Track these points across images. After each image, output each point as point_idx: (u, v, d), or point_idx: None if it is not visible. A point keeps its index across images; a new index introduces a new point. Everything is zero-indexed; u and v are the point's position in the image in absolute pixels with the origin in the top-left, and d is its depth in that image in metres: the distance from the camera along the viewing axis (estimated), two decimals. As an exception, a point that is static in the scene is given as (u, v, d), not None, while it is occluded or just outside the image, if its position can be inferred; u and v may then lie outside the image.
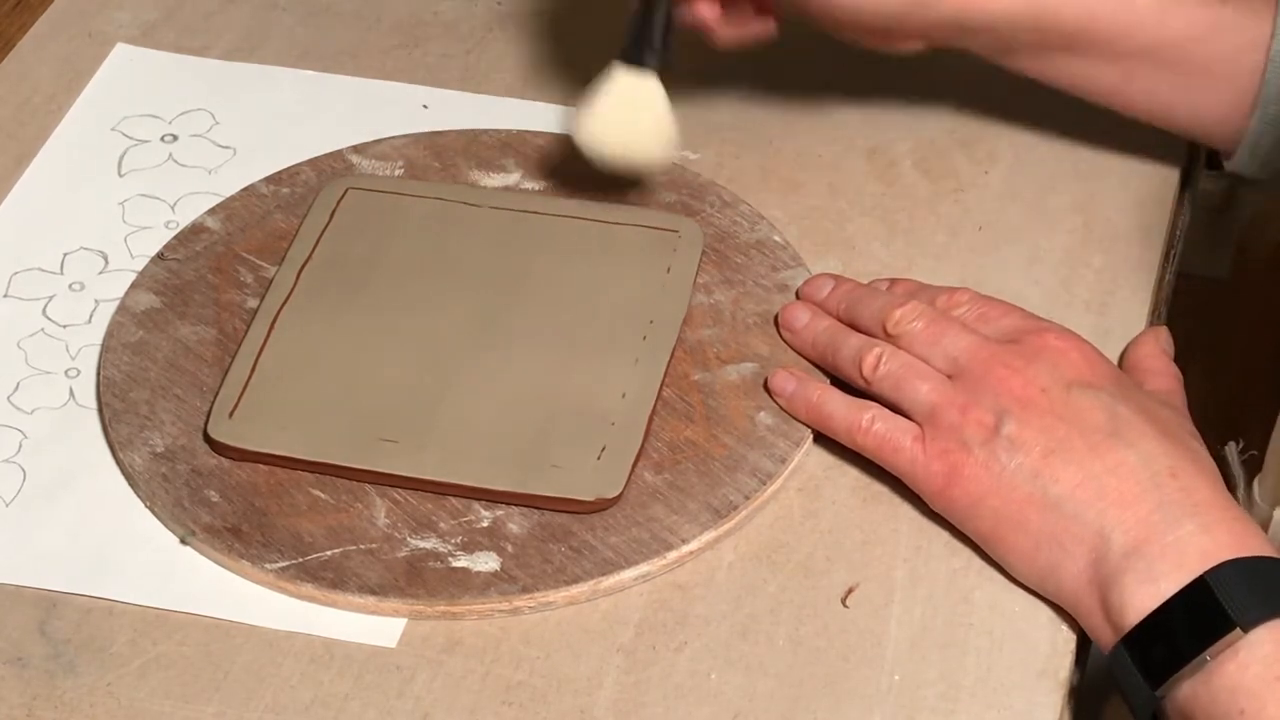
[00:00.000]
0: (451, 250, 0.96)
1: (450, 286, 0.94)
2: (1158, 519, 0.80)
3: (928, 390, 0.86)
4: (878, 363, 0.87)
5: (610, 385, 0.89)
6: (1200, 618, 0.77)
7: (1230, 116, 0.96)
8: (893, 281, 0.93)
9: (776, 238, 0.97)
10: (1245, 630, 0.76)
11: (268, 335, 0.91)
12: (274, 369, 0.90)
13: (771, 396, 0.89)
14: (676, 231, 0.96)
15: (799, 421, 0.89)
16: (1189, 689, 0.77)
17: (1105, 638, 0.80)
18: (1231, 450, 0.88)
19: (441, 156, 1.02)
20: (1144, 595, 0.79)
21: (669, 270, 0.94)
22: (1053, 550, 0.82)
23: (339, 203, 0.98)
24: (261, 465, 0.87)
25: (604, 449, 0.86)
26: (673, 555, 0.84)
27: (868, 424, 0.86)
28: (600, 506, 0.85)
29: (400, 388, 0.89)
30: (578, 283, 0.94)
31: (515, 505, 0.85)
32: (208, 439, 0.87)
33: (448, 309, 0.93)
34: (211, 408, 0.88)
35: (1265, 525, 0.87)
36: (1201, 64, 0.95)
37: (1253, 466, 0.87)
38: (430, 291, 0.94)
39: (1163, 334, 0.93)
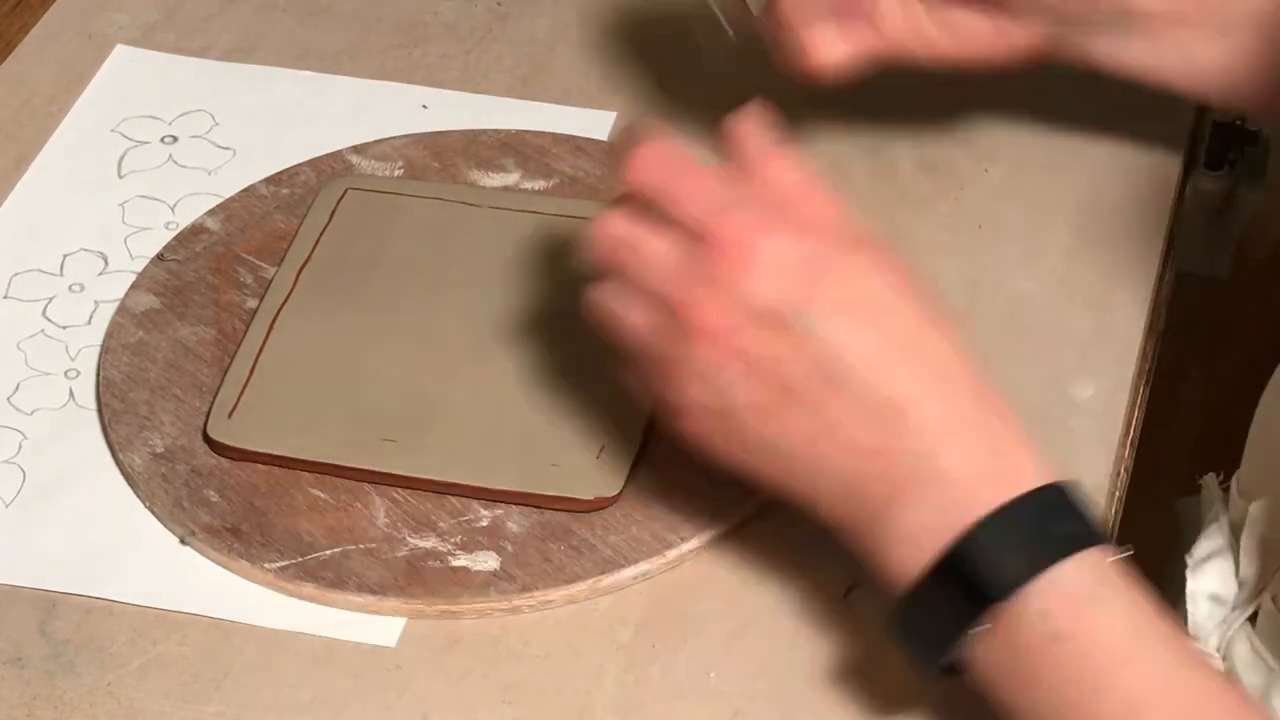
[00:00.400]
0: (451, 250, 0.96)
1: (450, 286, 0.94)
2: (905, 471, 0.74)
3: (658, 270, 0.78)
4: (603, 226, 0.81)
5: (610, 384, 0.89)
6: (962, 589, 0.72)
7: None
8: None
9: None
10: (1005, 599, 0.72)
11: (267, 335, 0.91)
12: (273, 369, 0.90)
13: None
14: None
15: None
16: (974, 651, 0.73)
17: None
18: (1211, 481, 0.88)
19: (441, 156, 1.02)
20: (904, 557, 0.74)
21: None
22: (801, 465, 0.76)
23: (338, 203, 0.98)
24: (261, 465, 0.87)
25: (603, 448, 0.86)
26: (672, 554, 0.84)
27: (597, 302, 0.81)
28: (599, 505, 0.85)
29: (400, 387, 0.89)
30: (577, 282, 0.94)
31: (515, 504, 0.85)
32: (207, 439, 0.87)
33: (447, 309, 0.93)
34: (211, 408, 0.88)
35: (1241, 520, 0.86)
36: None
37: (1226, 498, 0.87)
38: (430, 291, 0.94)
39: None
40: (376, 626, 0.82)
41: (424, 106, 1.06)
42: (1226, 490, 0.90)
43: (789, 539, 0.86)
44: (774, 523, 0.86)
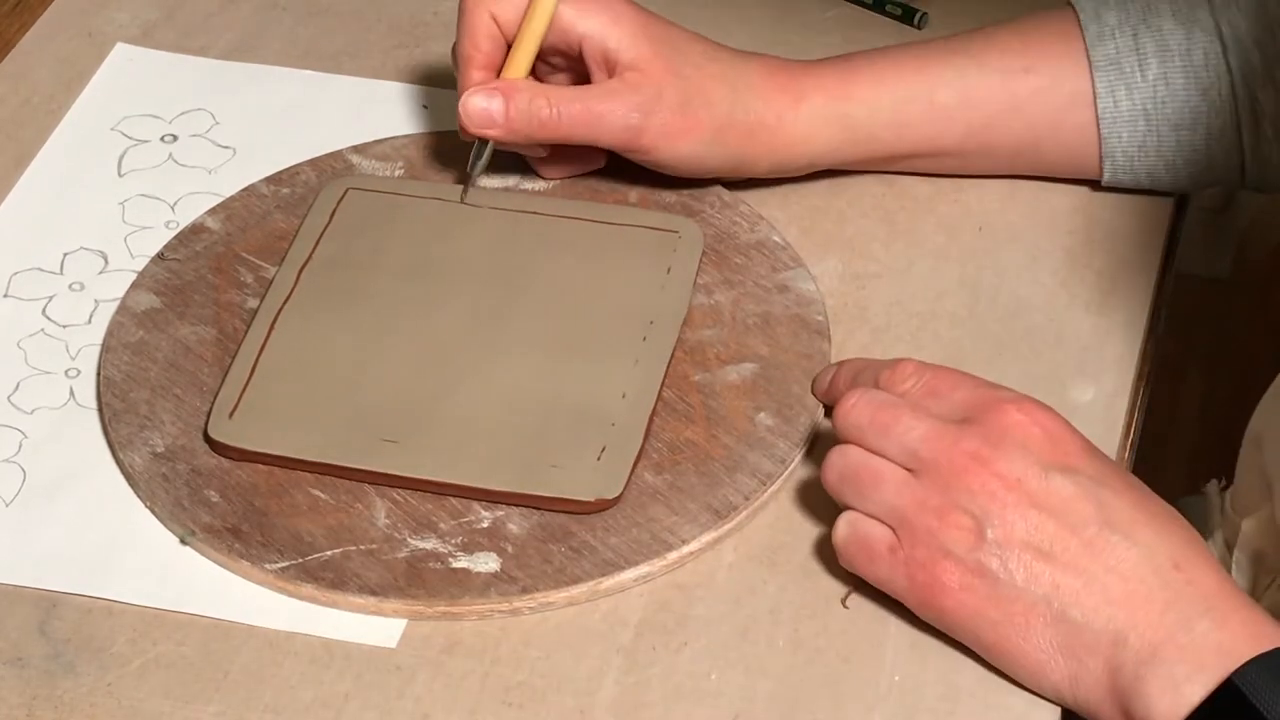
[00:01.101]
0: (452, 250, 0.96)
1: (450, 286, 0.94)
2: (1171, 619, 0.76)
3: (893, 492, 0.80)
4: (829, 469, 0.82)
5: (610, 386, 0.89)
6: None
7: (1077, 168, 0.98)
8: (839, 365, 0.89)
9: (776, 238, 0.97)
10: None
11: (268, 335, 0.91)
12: (274, 369, 0.90)
13: None
14: (676, 232, 0.96)
15: None
16: None
17: None
18: (1213, 487, 0.88)
19: (441, 156, 1.01)
20: (1169, 703, 0.75)
21: (669, 271, 0.94)
22: (1066, 661, 0.78)
23: (339, 203, 0.98)
24: (261, 465, 0.87)
25: (604, 449, 0.86)
26: (673, 556, 0.84)
27: (837, 536, 0.82)
28: (600, 507, 0.85)
29: (400, 388, 0.89)
30: (578, 283, 0.94)
31: (515, 506, 0.85)
32: (208, 439, 0.87)
33: (448, 309, 0.93)
34: (211, 408, 0.88)
35: (1234, 537, 0.86)
36: (1026, 134, 0.97)
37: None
38: (430, 292, 0.94)
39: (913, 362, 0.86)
40: (377, 627, 0.82)
41: (424, 106, 1.06)
42: (1224, 493, 0.90)
43: (789, 541, 0.86)
44: (774, 525, 0.86)
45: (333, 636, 0.82)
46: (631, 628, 0.83)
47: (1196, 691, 0.74)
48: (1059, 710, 0.80)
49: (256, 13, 1.12)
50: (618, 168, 1.00)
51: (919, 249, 0.98)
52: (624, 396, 0.89)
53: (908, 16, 1.10)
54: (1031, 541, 0.78)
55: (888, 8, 1.10)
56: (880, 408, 0.82)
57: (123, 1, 1.13)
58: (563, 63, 0.98)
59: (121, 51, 1.09)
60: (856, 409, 0.82)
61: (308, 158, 1.02)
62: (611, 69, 0.94)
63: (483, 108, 0.94)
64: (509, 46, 0.96)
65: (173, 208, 1.00)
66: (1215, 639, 0.75)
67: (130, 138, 1.04)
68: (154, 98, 1.07)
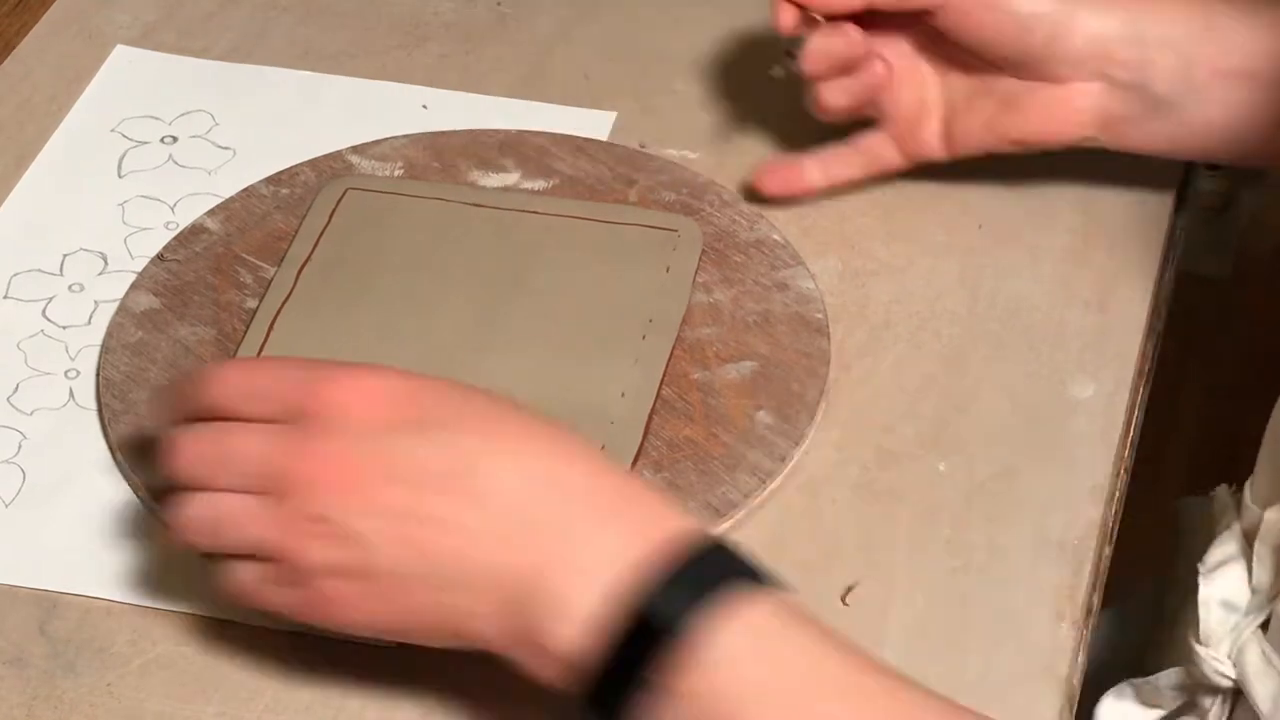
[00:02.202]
0: (451, 250, 0.96)
1: (450, 286, 0.94)
2: (549, 539, 0.70)
3: (242, 523, 0.73)
4: (177, 522, 0.75)
5: (609, 384, 0.89)
6: (636, 639, 0.68)
7: None
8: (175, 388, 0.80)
9: (776, 236, 0.97)
10: (678, 633, 0.68)
11: (267, 335, 0.91)
12: None
13: None
14: (676, 231, 0.96)
15: None
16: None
17: (555, 676, 0.71)
18: (1223, 490, 0.88)
19: (441, 157, 1.02)
20: (573, 632, 0.69)
21: (668, 269, 0.94)
22: (468, 622, 0.72)
23: (338, 203, 0.98)
24: None
25: (603, 447, 0.86)
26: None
27: (229, 584, 0.75)
28: None
29: None
30: (577, 282, 0.94)
31: None
32: None
33: (447, 309, 0.93)
34: None
35: (1255, 528, 0.86)
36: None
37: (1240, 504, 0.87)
38: (430, 291, 0.94)
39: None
40: (376, 626, 0.82)
41: (424, 106, 1.06)
42: (1238, 497, 0.90)
43: (788, 539, 0.86)
44: (773, 523, 0.86)
45: (333, 636, 0.82)
46: (631, 626, 0.82)
47: (593, 608, 0.69)
48: (1059, 706, 0.80)
49: (256, 13, 1.12)
50: (618, 167, 1.00)
51: (918, 247, 0.98)
52: (623, 395, 0.89)
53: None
54: (383, 520, 0.71)
55: (887, 7, 1.10)
56: (204, 444, 0.75)
57: (123, 2, 1.13)
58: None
59: (121, 53, 1.09)
60: (182, 454, 0.75)
61: (307, 158, 1.01)
62: None
63: None
64: None
65: (172, 209, 1.00)
66: (598, 545, 0.70)
67: (130, 139, 1.04)
68: (153, 99, 1.07)
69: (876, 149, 0.98)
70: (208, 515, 0.75)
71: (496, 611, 0.71)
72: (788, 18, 0.92)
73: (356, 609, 0.73)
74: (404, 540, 0.71)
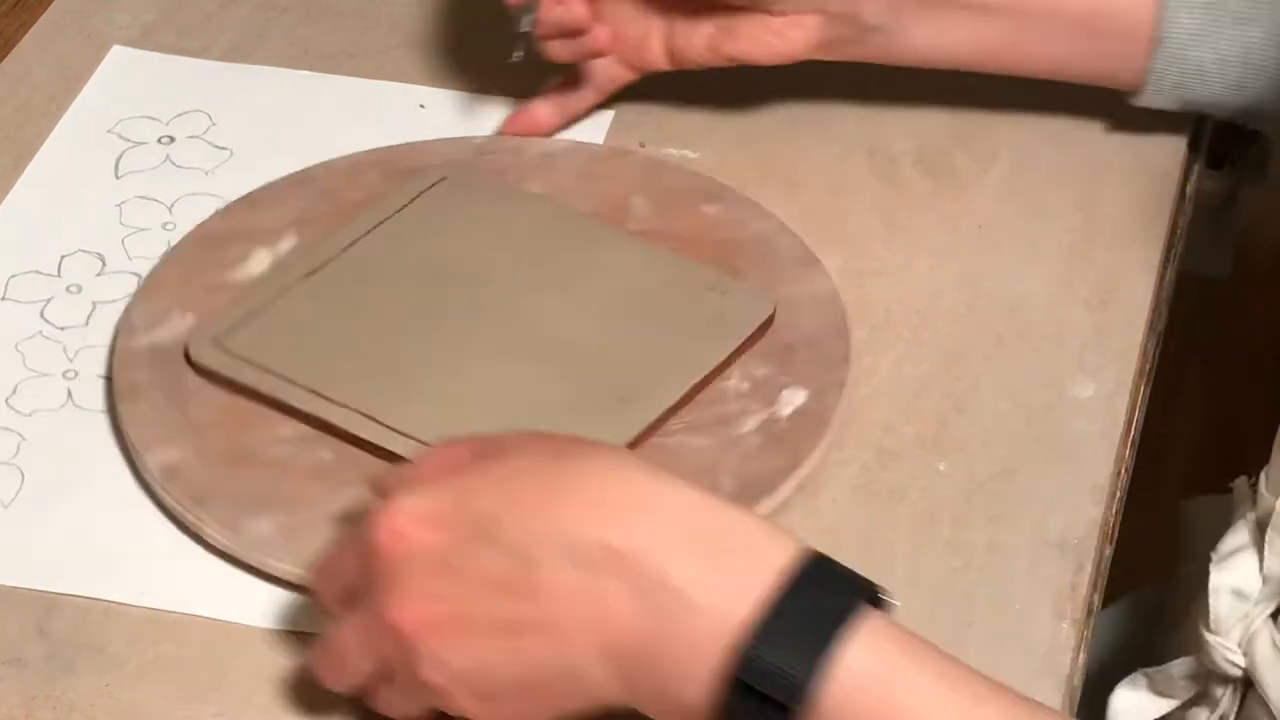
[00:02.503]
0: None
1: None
2: (644, 620, 0.69)
3: (395, 706, 0.75)
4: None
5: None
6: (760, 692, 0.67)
7: (1128, 54, 0.96)
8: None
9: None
10: (799, 705, 0.67)
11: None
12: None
13: None
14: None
15: None
16: None
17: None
18: (1241, 483, 0.88)
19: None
20: (693, 692, 0.68)
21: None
22: (596, 697, 0.71)
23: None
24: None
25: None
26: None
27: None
28: None
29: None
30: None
31: None
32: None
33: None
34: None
35: (1268, 517, 0.86)
36: (1091, 5, 0.94)
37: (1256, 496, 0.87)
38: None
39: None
40: (376, 627, 0.82)
41: (421, 106, 1.06)
42: (1253, 487, 0.90)
43: (789, 539, 0.86)
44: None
45: (332, 636, 0.82)
46: (631, 627, 0.82)
47: (706, 673, 0.68)
48: (1060, 706, 0.80)
49: (256, 13, 1.12)
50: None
51: (919, 246, 0.98)
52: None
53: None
54: (484, 647, 0.71)
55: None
56: (327, 653, 0.77)
57: (122, 2, 1.13)
58: None
59: (118, 53, 1.09)
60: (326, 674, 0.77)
61: (306, 159, 1.01)
62: None
63: None
64: None
65: (170, 209, 1.00)
66: (707, 604, 0.68)
67: (127, 140, 1.04)
68: (150, 99, 1.07)
69: (606, 72, 1.01)
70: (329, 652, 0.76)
71: (616, 680, 0.70)
72: None
73: (491, 713, 0.72)
74: (505, 659, 0.71)
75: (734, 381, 0.90)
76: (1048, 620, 0.83)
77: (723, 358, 0.90)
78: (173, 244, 0.96)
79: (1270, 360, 1.76)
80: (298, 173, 1.00)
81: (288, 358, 0.89)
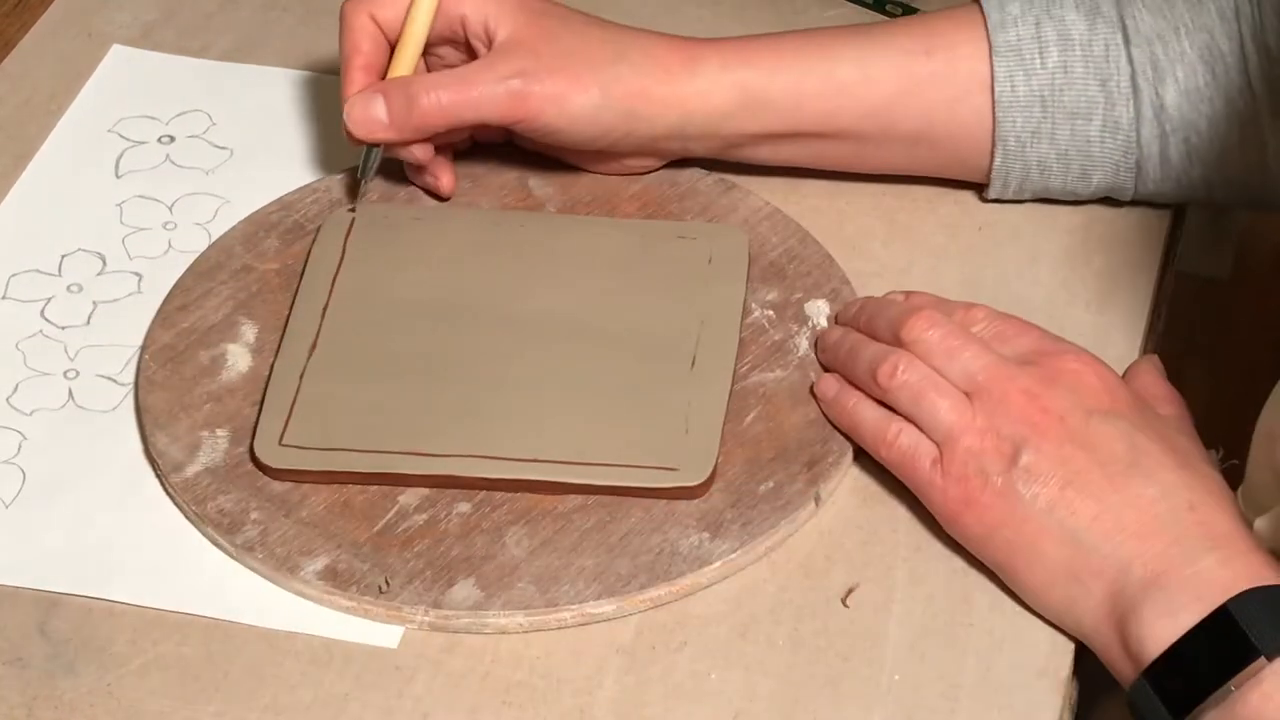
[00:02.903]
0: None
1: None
2: (1176, 552, 0.79)
3: (946, 408, 0.84)
4: (894, 371, 0.85)
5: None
6: (1223, 648, 0.76)
7: (970, 155, 0.97)
8: (909, 294, 0.92)
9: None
10: (1270, 659, 0.76)
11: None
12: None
13: (815, 402, 0.89)
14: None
15: (836, 428, 0.88)
16: None
17: (1125, 671, 0.80)
18: (1213, 458, 0.88)
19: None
20: (1164, 628, 0.78)
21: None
22: (1069, 584, 0.81)
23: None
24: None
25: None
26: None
27: (893, 437, 0.85)
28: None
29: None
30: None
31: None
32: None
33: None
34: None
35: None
36: (922, 117, 0.96)
37: (1232, 475, 0.87)
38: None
39: (1157, 360, 0.92)
40: (378, 628, 0.82)
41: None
42: (1226, 471, 0.90)
43: (789, 541, 0.86)
44: (774, 523, 0.86)
45: (333, 636, 0.82)
46: (631, 627, 0.82)
47: (1191, 619, 0.77)
48: (1059, 708, 0.80)
49: (256, 13, 1.12)
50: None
51: (919, 248, 0.98)
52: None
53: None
54: (1058, 472, 0.82)
55: (888, 7, 1.10)
56: (952, 333, 0.86)
57: (123, 1, 1.13)
58: (454, 54, 0.97)
59: (118, 53, 1.09)
60: (933, 328, 0.86)
61: (306, 159, 1.01)
62: (491, 45, 0.94)
63: (365, 113, 0.94)
64: (393, 47, 0.96)
65: (170, 209, 1.00)
66: (1218, 574, 0.78)
67: (127, 139, 1.04)
68: (150, 99, 1.07)
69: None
70: (924, 383, 0.85)
71: (1103, 593, 0.80)
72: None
73: (980, 519, 0.83)
74: (1060, 487, 0.81)
75: (756, 313, 0.92)
76: (1047, 622, 0.83)
77: (744, 294, 0.93)
78: (137, 360, 0.92)
79: (1270, 360, 1.75)
80: (195, 262, 0.96)
81: (361, 432, 0.87)
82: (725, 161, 0.99)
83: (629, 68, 0.94)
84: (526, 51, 0.93)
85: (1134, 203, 0.99)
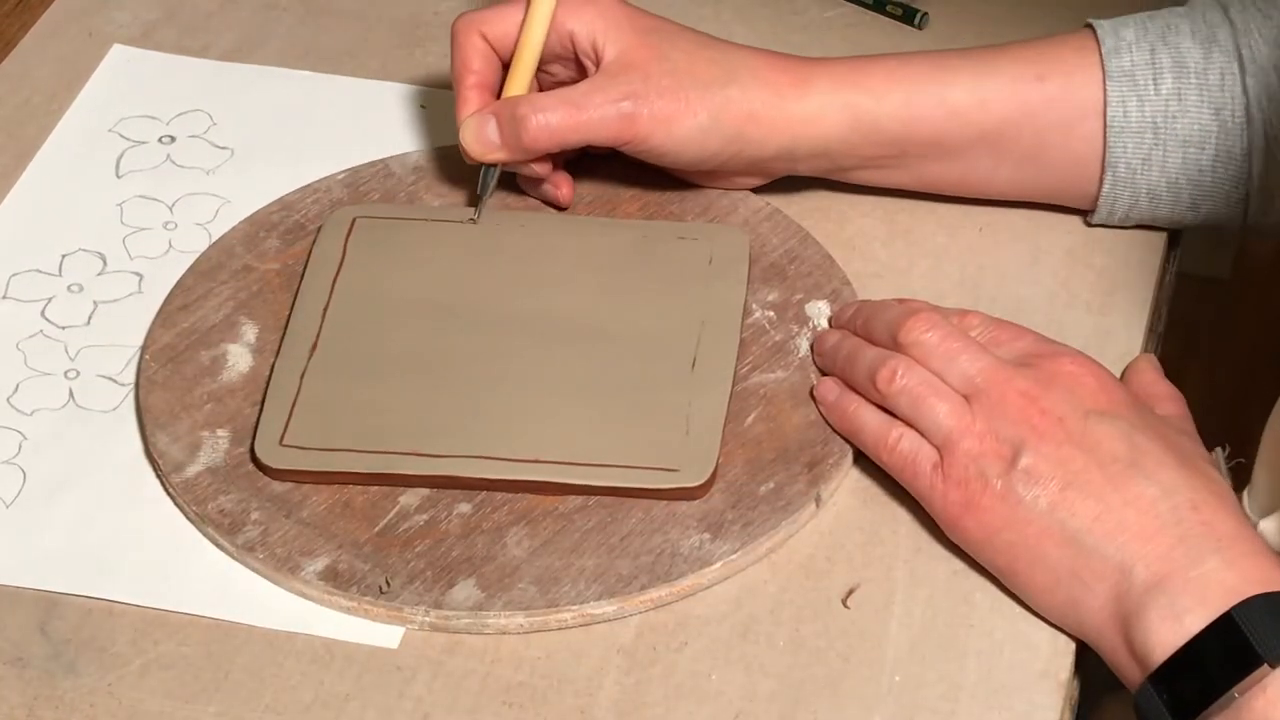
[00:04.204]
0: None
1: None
2: (1180, 553, 0.79)
3: (945, 412, 0.84)
4: (893, 376, 0.85)
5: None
6: (1228, 654, 0.76)
7: (1079, 181, 0.97)
8: (903, 301, 0.91)
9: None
10: (1274, 666, 0.76)
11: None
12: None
13: (815, 405, 0.89)
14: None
15: (835, 431, 0.88)
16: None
17: (1130, 674, 0.80)
18: (1219, 455, 0.88)
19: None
20: (1169, 632, 0.78)
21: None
22: (1072, 585, 0.81)
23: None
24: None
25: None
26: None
27: (894, 442, 0.85)
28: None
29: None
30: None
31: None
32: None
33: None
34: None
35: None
36: (1034, 141, 0.95)
37: (1239, 473, 0.87)
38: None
39: (1154, 359, 0.92)
40: (378, 628, 0.82)
41: (422, 106, 1.06)
42: (1233, 470, 0.90)
43: (789, 541, 0.86)
44: (774, 524, 0.86)
45: (334, 637, 0.82)
46: (632, 627, 0.82)
47: (1196, 623, 0.77)
48: (1059, 709, 0.80)
49: (256, 13, 1.12)
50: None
51: (920, 249, 0.98)
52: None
53: (908, 17, 1.10)
54: (1058, 473, 0.82)
55: (888, 8, 1.10)
56: (950, 335, 0.86)
57: (123, 1, 1.13)
58: (563, 71, 0.97)
59: (118, 52, 1.09)
60: (931, 330, 0.86)
61: (306, 159, 1.01)
62: (600, 63, 0.94)
63: (478, 134, 0.94)
64: (506, 65, 0.96)
65: (171, 209, 1.00)
66: (1222, 576, 0.78)
67: (128, 139, 1.04)
68: (151, 99, 1.07)
69: None
70: (922, 387, 0.85)
71: (1106, 595, 0.80)
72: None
73: (981, 522, 0.83)
74: (1061, 489, 0.81)
75: (757, 314, 0.92)
76: (1047, 624, 0.83)
77: (744, 294, 0.93)
78: (137, 360, 0.92)
79: (1270, 360, 1.76)
80: (196, 262, 0.96)
81: (361, 433, 0.87)
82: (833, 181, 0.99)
83: (738, 90, 0.93)
84: (635, 73, 0.93)
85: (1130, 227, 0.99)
